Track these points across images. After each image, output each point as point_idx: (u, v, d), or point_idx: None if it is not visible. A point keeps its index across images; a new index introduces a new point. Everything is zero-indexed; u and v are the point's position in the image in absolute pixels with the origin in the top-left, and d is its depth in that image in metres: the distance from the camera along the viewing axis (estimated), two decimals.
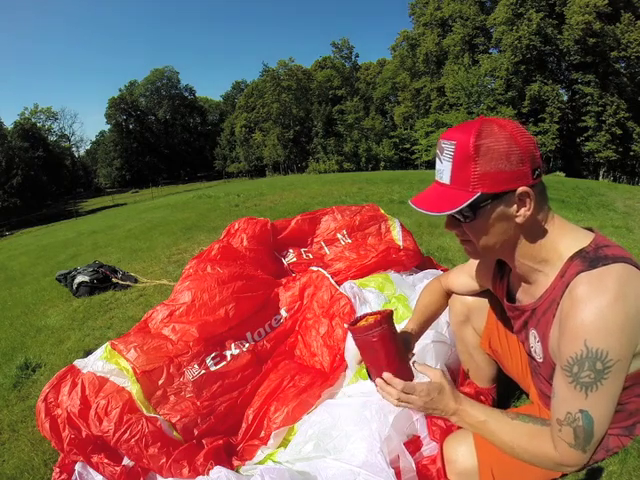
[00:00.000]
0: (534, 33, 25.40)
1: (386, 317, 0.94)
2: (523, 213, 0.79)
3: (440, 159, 0.82)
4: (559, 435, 0.79)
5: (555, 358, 0.84)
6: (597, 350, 0.72)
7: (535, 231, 0.83)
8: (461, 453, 1.01)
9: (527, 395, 1.30)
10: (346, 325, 0.98)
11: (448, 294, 1.31)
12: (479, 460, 0.97)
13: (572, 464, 0.80)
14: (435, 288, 1.32)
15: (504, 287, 1.03)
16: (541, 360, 0.92)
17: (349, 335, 1.71)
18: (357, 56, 42.34)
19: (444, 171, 0.81)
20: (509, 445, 0.87)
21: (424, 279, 2.10)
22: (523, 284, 0.95)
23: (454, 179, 0.79)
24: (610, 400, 0.76)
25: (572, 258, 0.80)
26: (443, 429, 1.21)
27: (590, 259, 0.77)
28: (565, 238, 0.83)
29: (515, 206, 0.79)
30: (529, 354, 0.99)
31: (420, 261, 2.46)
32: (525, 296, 0.95)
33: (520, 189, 0.77)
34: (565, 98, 27.77)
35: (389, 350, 0.93)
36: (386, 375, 0.93)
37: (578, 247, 0.81)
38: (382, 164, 33.83)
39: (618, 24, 24.49)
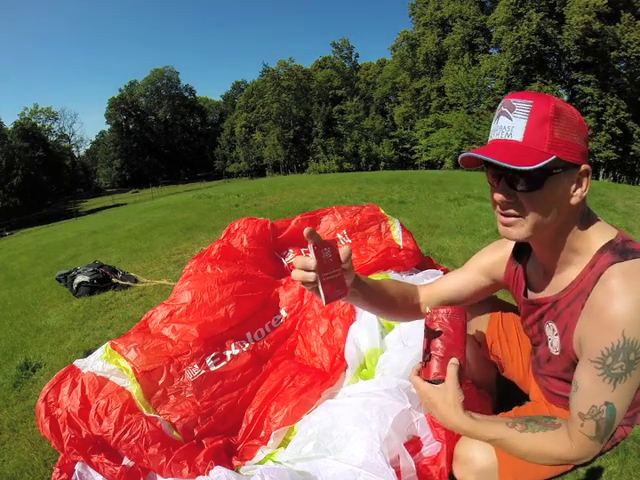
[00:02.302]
0: (534, 33, 25.37)
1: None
2: (580, 193, 0.78)
3: (509, 117, 0.77)
4: (580, 430, 0.79)
5: (578, 351, 0.84)
6: (633, 340, 0.73)
7: (577, 218, 0.83)
8: (477, 451, 0.98)
9: (527, 396, 1.30)
10: (428, 309, 0.94)
11: (418, 306, 1.13)
12: (498, 456, 0.95)
13: (587, 456, 0.81)
14: (408, 292, 1.13)
15: (520, 280, 1.02)
16: (557, 353, 0.91)
17: (349, 336, 1.71)
18: (357, 56, 42.37)
19: (514, 128, 0.76)
20: (525, 454, 0.85)
21: (424, 279, 2.09)
22: (544, 276, 0.94)
23: (528, 136, 0.74)
24: (632, 391, 0.77)
25: (602, 250, 0.80)
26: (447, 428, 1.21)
27: (620, 251, 0.78)
28: (595, 229, 0.83)
29: (574, 185, 0.77)
30: (537, 346, 0.98)
31: (420, 261, 2.45)
32: (544, 288, 0.94)
33: (584, 166, 0.76)
34: (565, 98, 27.74)
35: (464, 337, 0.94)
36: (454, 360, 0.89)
37: (606, 239, 0.81)
38: (382, 164, 33.81)
39: (618, 24, 24.42)
